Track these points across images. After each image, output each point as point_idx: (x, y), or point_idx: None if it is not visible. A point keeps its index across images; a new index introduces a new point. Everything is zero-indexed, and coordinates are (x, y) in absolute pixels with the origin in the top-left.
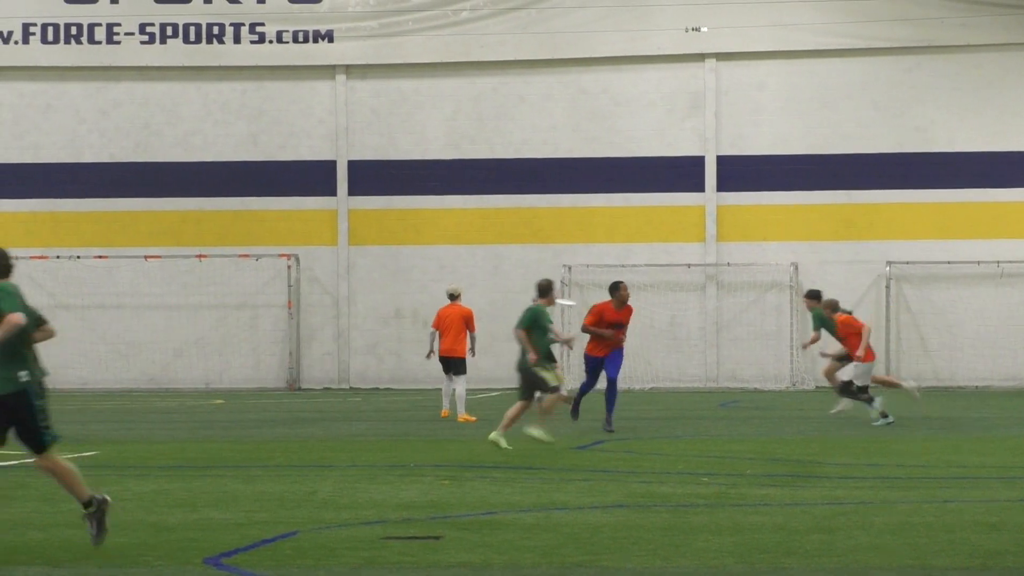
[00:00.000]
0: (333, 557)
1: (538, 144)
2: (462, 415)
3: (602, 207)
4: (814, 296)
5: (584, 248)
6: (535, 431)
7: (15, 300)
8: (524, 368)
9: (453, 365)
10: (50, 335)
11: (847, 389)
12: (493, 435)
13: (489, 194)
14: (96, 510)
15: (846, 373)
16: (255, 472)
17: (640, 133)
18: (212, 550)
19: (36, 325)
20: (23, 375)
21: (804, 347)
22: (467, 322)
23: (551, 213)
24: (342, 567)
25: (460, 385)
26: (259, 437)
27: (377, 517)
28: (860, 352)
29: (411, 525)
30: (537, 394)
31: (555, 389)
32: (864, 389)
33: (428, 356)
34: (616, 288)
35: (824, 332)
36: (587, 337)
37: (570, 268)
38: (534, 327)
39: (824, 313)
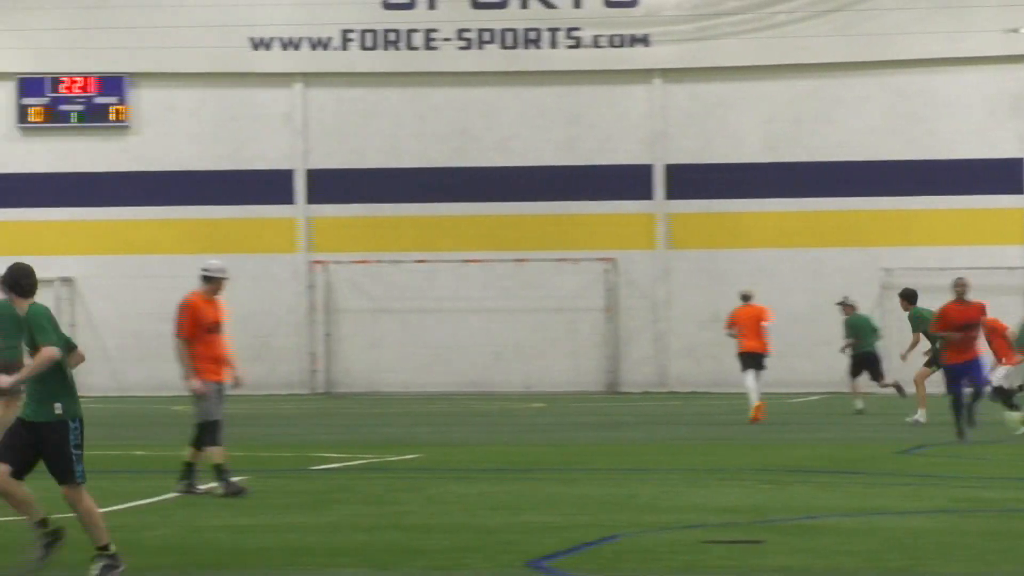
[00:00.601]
0: (654, 561)
1: (856, 146)
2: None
3: (922, 210)
4: (911, 297)
5: (903, 251)
6: None
7: (48, 331)
8: None
9: (755, 361)
10: (80, 360)
11: (1001, 393)
12: None
13: (807, 197)
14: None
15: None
16: (576, 475)
17: (959, 135)
18: (533, 553)
19: (68, 351)
20: (58, 407)
21: (904, 357)
22: (759, 317)
23: (870, 216)
24: (663, 571)
25: (755, 381)
26: (579, 440)
27: (698, 521)
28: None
29: (732, 529)
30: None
31: None
32: (1010, 393)
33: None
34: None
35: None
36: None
37: (889, 272)
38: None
39: (924, 313)
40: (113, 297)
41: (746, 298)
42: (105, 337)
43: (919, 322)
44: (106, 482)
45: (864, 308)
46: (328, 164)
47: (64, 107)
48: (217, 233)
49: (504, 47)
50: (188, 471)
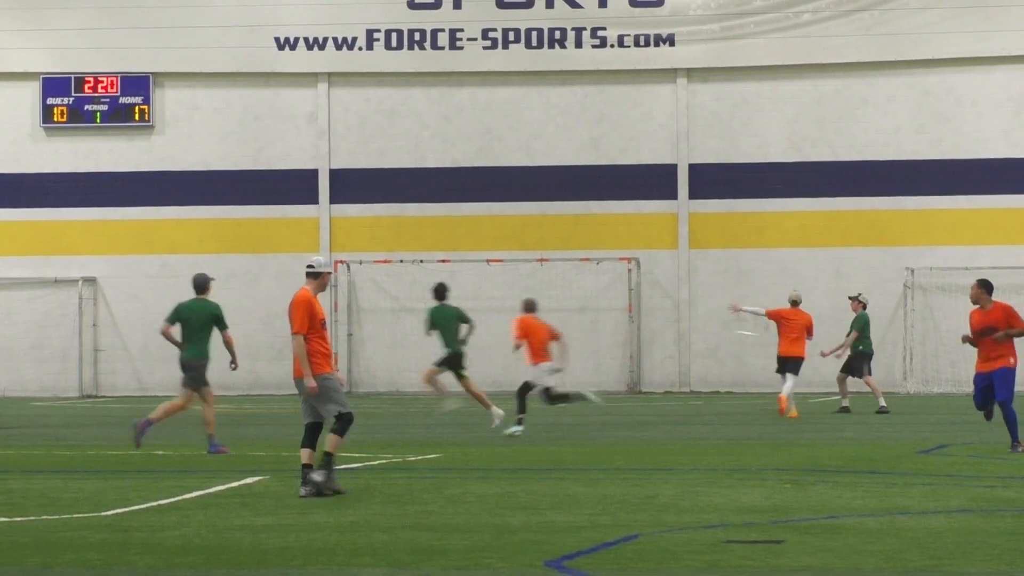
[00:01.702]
0: (674, 560)
1: (881, 146)
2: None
3: (946, 209)
4: (439, 293)
5: (927, 251)
6: None
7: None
8: None
9: (790, 365)
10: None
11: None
12: None
13: (831, 196)
14: None
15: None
16: (596, 475)
17: (986, 135)
18: (553, 552)
19: None
20: None
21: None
22: (808, 328)
23: (894, 215)
24: (683, 570)
25: (790, 382)
26: (600, 440)
27: (719, 521)
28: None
29: (753, 529)
30: None
31: None
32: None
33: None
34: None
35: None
36: None
37: (912, 271)
38: None
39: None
40: (136, 297)
41: (795, 303)
42: (127, 337)
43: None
44: (127, 482)
45: (888, 307)
46: (352, 164)
47: (88, 107)
48: (240, 233)
49: (529, 47)
50: (327, 462)
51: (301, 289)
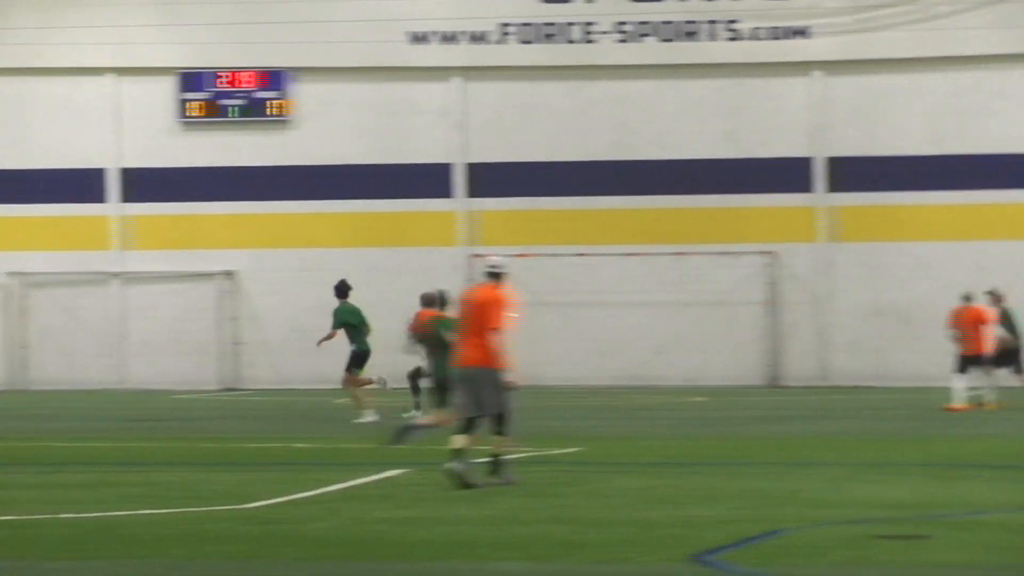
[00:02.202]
0: (820, 555)
1: (1020, 139)
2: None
3: None
4: (341, 291)
5: None
6: None
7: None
8: None
9: (971, 363)
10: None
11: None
12: None
13: (970, 189)
14: None
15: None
16: (738, 469)
17: None
18: (697, 547)
19: None
20: None
21: (319, 344)
22: (979, 321)
23: None
24: (829, 565)
25: (980, 380)
26: (741, 434)
27: (864, 515)
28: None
29: (899, 524)
30: None
31: None
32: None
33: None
34: None
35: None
36: None
37: None
38: None
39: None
40: (275, 290)
41: (967, 299)
42: (267, 330)
43: (342, 315)
44: (268, 474)
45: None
46: (487, 158)
47: (224, 102)
48: (377, 226)
49: (662, 40)
50: (496, 463)
51: (487, 287)
